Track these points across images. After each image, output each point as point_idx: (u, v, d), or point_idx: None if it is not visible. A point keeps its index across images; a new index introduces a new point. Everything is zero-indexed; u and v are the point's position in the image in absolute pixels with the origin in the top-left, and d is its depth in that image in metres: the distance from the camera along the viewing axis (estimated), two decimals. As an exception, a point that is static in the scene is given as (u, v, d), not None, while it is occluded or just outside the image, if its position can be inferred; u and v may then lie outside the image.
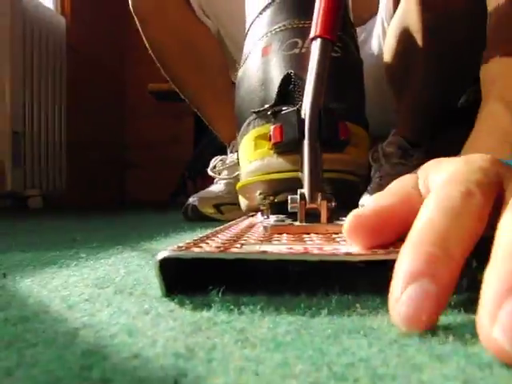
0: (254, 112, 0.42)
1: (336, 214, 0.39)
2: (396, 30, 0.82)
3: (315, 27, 0.39)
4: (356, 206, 0.70)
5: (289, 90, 0.41)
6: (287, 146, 0.38)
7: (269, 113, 0.40)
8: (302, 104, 0.37)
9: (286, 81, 0.41)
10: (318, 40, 0.38)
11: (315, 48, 0.38)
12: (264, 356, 0.16)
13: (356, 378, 0.14)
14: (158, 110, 2.27)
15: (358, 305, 0.22)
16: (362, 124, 0.43)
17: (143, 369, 0.15)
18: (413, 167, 0.85)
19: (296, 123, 0.37)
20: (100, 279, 0.31)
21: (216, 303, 0.23)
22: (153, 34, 0.99)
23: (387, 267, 0.20)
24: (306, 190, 0.36)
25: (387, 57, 0.87)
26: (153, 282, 0.29)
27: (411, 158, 0.87)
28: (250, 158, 0.43)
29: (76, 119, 1.84)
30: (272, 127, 0.39)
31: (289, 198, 0.37)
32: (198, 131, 2.16)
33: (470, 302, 0.22)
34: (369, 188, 0.89)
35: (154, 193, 2.17)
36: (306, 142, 0.36)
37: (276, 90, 0.41)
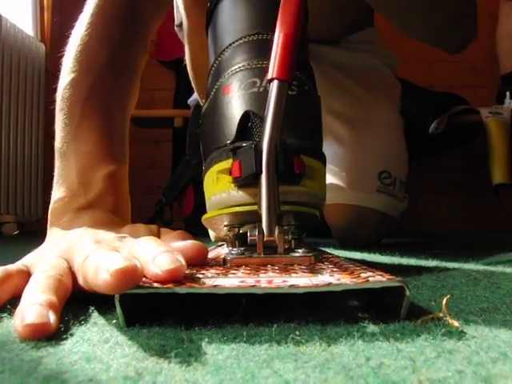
0: (216, 148, 0.45)
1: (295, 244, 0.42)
2: None
3: (272, 69, 0.42)
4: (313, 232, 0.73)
5: (248, 127, 0.44)
6: (246, 180, 0.41)
7: (229, 149, 0.43)
8: (259, 140, 0.40)
9: (245, 118, 0.44)
10: (275, 82, 0.41)
11: (272, 89, 0.41)
12: (202, 378, 0.18)
13: (275, 396, 0.17)
14: (136, 136, 2.28)
15: (297, 332, 0.25)
16: (318, 158, 0.46)
17: (95, 392, 0.17)
18: None
19: (254, 159, 0.40)
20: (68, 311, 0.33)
21: (169, 332, 0.26)
22: None
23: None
24: (263, 223, 0.38)
25: None
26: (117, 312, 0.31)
27: None
28: (213, 191, 0.46)
29: (53, 144, 1.84)
30: (232, 162, 0.42)
31: (248, 231, 0.40)
32: (176, 157, 2.18)
33: (393, 335, 0.25)
34: None
35: (132, 218, 2.17)
36: (263, 176, 0.39)
37: (236, 127, 0.44)
